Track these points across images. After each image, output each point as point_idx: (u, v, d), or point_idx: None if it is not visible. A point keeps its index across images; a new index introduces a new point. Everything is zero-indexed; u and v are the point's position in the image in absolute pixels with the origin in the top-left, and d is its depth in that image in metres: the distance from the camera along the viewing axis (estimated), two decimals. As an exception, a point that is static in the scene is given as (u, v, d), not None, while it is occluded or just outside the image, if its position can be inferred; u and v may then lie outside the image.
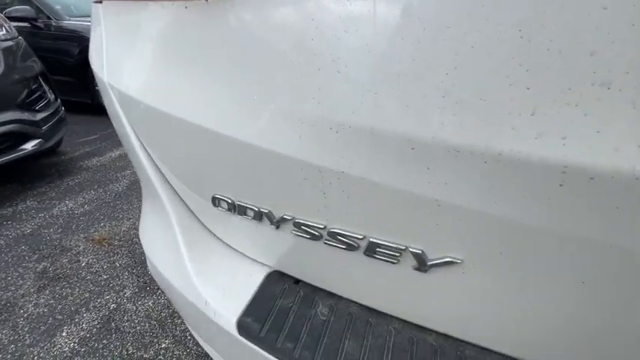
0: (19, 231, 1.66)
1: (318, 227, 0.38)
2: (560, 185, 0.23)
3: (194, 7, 0.33)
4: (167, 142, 0.46)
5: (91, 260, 1.44)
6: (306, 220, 0.38)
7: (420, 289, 0.36)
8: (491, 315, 0.33)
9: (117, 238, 1.59)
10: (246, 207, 0.43)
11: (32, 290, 1.28)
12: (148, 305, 1.19)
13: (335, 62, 0.27)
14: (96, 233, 1.63)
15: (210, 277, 0.47)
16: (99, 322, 1.13)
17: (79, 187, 2.08)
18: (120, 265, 1.41)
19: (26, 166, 2.28)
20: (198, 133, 0.38)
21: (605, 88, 0.20)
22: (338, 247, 0.38)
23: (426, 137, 0.26)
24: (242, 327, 0.41)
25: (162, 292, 1.25)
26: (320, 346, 0.39)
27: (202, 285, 0.45)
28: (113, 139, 2.97)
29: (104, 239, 1.58)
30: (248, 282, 0.47)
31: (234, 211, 0.44)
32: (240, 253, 0.51)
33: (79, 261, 1.44)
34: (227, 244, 0.52)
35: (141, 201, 1.88)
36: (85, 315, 1.16)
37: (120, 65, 0.45)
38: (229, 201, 0.44)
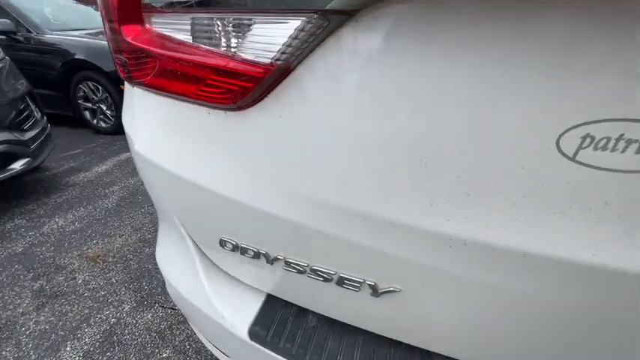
0: (10, 250, 1.69)
1: (302, 265, 0.51)
2: (450, 247, 0.39)
3: (215, 114, 0.46)
4: (187, 203, 0.57)
5: (87, 277, 1.51)
6: (294, 260, 0.51)
7: (375, 308, 0.50)
8: (422, 324, 0.49)
9: (111, 254, 1.66)
10: (247, 248, 0.55)
11: (31, 308, 1.34)
12: (147, 318, 1.28)
13: (310, 160, 0.42)
14: (89, 250, 1.69)
15: (226, 298, 0.59)
16: (101, 337, 1.21)
17: (67, 204, 2.12)
18: (116, 281, 1.48)
19: (10, 183, 2.28)
20: (214, 197, 0.51)
21: (466, 195, 0.36)
22: (317, 279, 0.51)
23: (370, 212, 0.41)
24: (252, 334, 0.54)
25: (164, 306, 1.35)
26: (310, 345, 0.53)
27: (220, 305, 0.58)
28: (97, 153, 2.99)
29: (98, 256, 1.64)
30: (254, 301, 0.60)
31: (237, 251, 0.56)
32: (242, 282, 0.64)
33: (75, 278, 1.50)
34: (231, 275, 0.64)
35: (131, 218, 1.96)
36: (86, 330, 1.24)
37: (151, 137, 0.56)
38: (234, 243, 0.55)
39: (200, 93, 0.44)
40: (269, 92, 0.41)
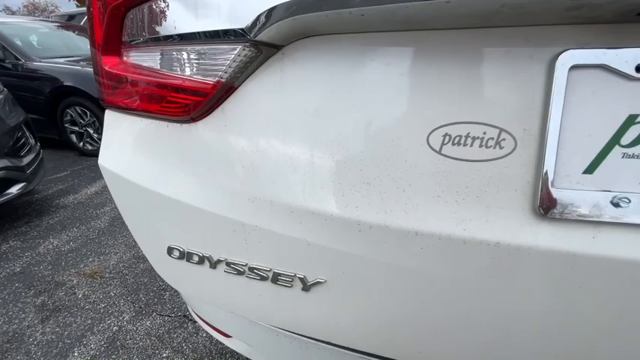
0: (8, 270, 1.80)
1: (242, 264, 0.57)
2: (359, 231, 0.47)
3: (172, 127, 0.55)
4: (141, 210, 0.64)
5: (86, 292, 1.65)
6: (234, 260, 0.57)
7: (307, 306, 0.55)
8: (350, 316, 0.55)
9: (107, 271, 1.80)
10: (193, 253, 0.60)
11: (36, 321, 1.47)
12: (147, 325, 1.44)
13: (248, 163, 0.50)
14: (86, 268, 1.83)
15: None
16: (105, 342, 1.36)
17: (60, 226, 2.24)
18: (115, 294, 1.63)
19: (1, 206, 2.37)
20: (166, 201, 0.57)
21: (368, 185, 0.45)
22: (255, 279, 0.57)
23: (296, 204, 0.48)
24: None
25: (161, 314, 1.51)
26: None
27: None
28: (85, 175, 3.10)
29: (95, 273, 1.78)
30: None
31: (184, 258, 0.61)
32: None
33: (75, 293, 1.64)
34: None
35: (124, 237, 2.11)
36: (91, 337, 1.38)
37: (113, 151, 0.64)
38: (181, 250, 0.61)
39: (162, 109, 0.54)
40: (217, 106, 0.50)
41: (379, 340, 0.58)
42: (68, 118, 3.47)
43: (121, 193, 0.66)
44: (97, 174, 3.12)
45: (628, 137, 0.36)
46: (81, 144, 3.55)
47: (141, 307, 1.54)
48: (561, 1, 0.31)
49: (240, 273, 0.58)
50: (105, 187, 2.83)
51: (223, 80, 0.49)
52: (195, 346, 1.34)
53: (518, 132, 0.38)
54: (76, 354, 1.31)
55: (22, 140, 2.16)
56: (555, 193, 0.38)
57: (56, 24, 4.75)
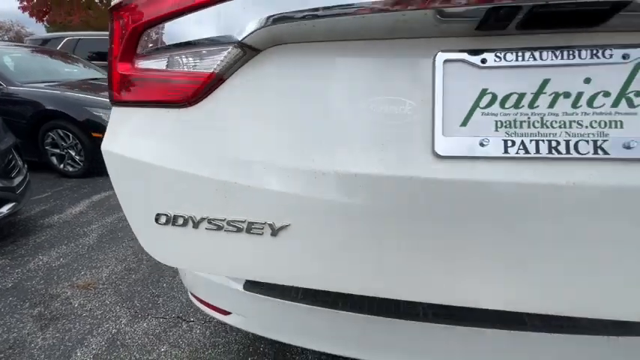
0: (0, 286, 1.88)
1: (220, 220, 0.67)
2: (315, 178, 0.60)
3: (171, 111, 0.68)
4: (137, 182, 0.73)
5: (82, 301, 1.76)
6: (215, 216, 0.68)
7: (277, 250, 0.68)
8: (313, 254, 0.68)
9: (100, 282, 1.92)
10: (178, 216, 0.70)
11: (36, 329, 1.57)
12: (144, 326, 1.59)
13: (233, 134, 0.65)
14: (79, 281, 1.93)
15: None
16: (106, 342, 1.49)
17: (48, 244, 2.31)
18: (110, 302, 1.76)
19: (-15, 227, 2.41)
20: (160, 171, 0.68)
21: (320, 143, 0.61)
22: (232, 231, 0.68)
23: (268, 161, 0.63)
24: (245, 288, 0.96)
25: (156, 317, 1.65)
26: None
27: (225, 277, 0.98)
28: (67, 196, 3.16)
29: (89, 284, 1.89)
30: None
31: (170, 223, 0.71)
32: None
33: (71, 303, 1.75)
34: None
35: (114, 251, 2.26)
36: (92, 339, 1.51)
37: (115, 137, 0.75)
38: (167, 215, 0.70)
39: (166, 97, 0.68)
40: (209, 93, 0.64)
41: (339, 273, 0.70)
42: (49, 140, 3.54)
43: (121, 171, 0.75)
44: (79, 195, 3.19)
45: (483, 102, 0.55)
46: (61, 166, 3.60)
47: (136, 312, 1.68)
48: (429, 21, 0.53)
49: (219, 228, 0.69)
50: (90, 207, 2.92)
51: (216, 72, 0.63)
52: (190, 341, 1.50)
53: (418, 102, 0.58)
54: (78, 354, 1.43)
55: (13, 162, 2.27)
56: (444, 140, 0.57)
57: (32, 49, 4.83)
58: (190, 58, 0.67)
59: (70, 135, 3.46)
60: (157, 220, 0.73)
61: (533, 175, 0.54)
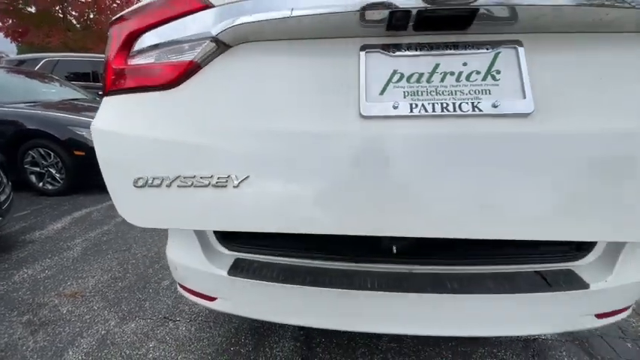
0: (-14, 297, 1.94)
1: (190, 177, 0.81)
2: (270, 137, 0.81)
3: (156, 93, 0.85)
4: (122, 152, 0.88)
5: (70, 308, 1.86)
6: (186, 174, 0.82)
7: (238, 199, 0.82)
8: (271, 199, 0.83)
9: (87, 290, 2.02)
10: (154, 177, 0.82)
11: (26, 334, 1.66)
12: (132, 327, 1.71)
13: (206, 109, 0.84)
14: (66, 290, 2.02)
15: (215, 262, 1.20)
16: (96, 342, 1.60)
17: (31, 258, 2.38)
18: (98, 307, 1.87)
19: (-35, 244, 2.45)
20: (143, 141, 0.84)
21: (276, 111, 0.89)
22: (200, 186, 0.82)
23: (234, 127, 0.82)
24: (229, 273, 1.15)
25: (144, 318, 1.78)
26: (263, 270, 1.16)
27: (211, 264, 1.18)
28: (47, 213, 3.20)
29: (76, 293, 1.99)
30: (227, 263, 1.21)
31: (146, 185, 0.83)
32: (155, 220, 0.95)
33: (59, 310, 1.84)
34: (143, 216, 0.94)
35: (99, 262, 2.38)
36: (82, 340, 1.62)
37: (105, 118, 0.91)
38: (144, 178, 0.83)
39: (156, 82, 0.85)
40: (188, 78, 0.82)
41: (292, 214, 0.84)
42: (29, 159, 3.59)
43: (107, 145, 0.90)
44: (60, 212, 3.24)
45: (394, 78, 0.80)
46: (40, 184, 3.64)
47: (124, 315, 1.80)
48: (356, 25, 0.78)
49: (189, 185, 0.83)
50: (72, 222, 2.98)
51: (195, 61, 0.82)
52: (176, 337, 1.64)
53: (349, 80, 0.80)
54: (70, 353, 1.54)
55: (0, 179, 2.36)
56: (368, 105, 0.78)
57: (7, 69, 4.87)
58: (175, 52, 0.86)
59: (52, 153, 3.53)
60: (135, 183, 0.86)
61: (431, 127, 0.77)
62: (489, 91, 0.77)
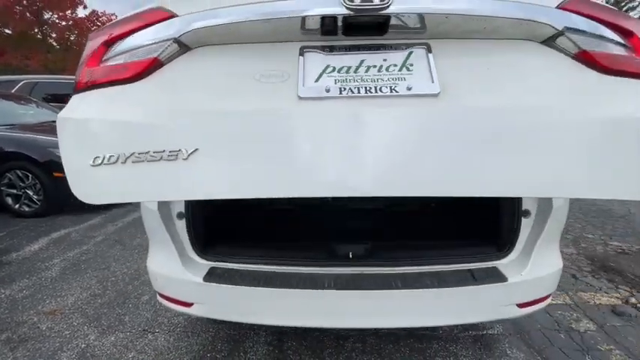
0: (-37, 318, 1.96)
1: (144, 152, 0.88)
2: (215, 115, 0.96)
3: (123, 86, 0.97)
4: (85, 136, 0.97)
5: (50, 325, 1.91)
6: (141, 150, 0.90)
7: (192, 169, 0.90)
8: (218, 169, 0.94)
9: (67, 308, 2.07)
10: (111, 155, 0.90)
11: (5, 350, 1.70)
12: (112, 340, 1.79)
13: (166, 99, 0.98)
14: (45, 308, 2.07)
15: (191, 270, 1.34)
16: (76, 355, 1.67)
17: (9, 279, 2.40)
18: (77, 323, 1.93)
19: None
20: (105, 123, 0.95)
21: (228, 92, 0.96)
22: (153, 160, 0.89)
23: (183, 109, 0.97)
24: (205, 279, 1.29)
25: (123, 332, 1.86)
26: (237, 275, 1.31)
27: (189, 272, 1.32)
28: (24, 234, 3.21)
29: (55, 310, 2.04)
30: (202, 270, 1.35)
31: (103, 162, 0.90)
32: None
33: (39, 327, 1.89)
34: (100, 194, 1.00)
35: (78, 281, 2.44)
36: (62, 354, 1.68)
37: (71, 109, 1.00)
38: (101, 156, 0.90)
39: (123, 76, 0.97)
40: (151, 73, 0.96)
41: (242, 181, 0.93)
42: (6, 181, 3.59)
43: (69, 130, 0.98)
44: (37, 233, 3.25)
45: (327, 70, 0.97)
46: (17, 206, 3.63)
47: (104, 329, 1.88)
48: (297, 31, 0.99)
49: (142, 160, 0.90)
50: (50, 243, 3.00)
51: (159, 58, 0.96)
52: (155, 347, 1.73)
53: (290, 71, 0.97)
54: (50, 366, 1.60)
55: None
56: (304, 89, 0.94)
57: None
58: (143, 53, 0.98)
59: (30, 175, 3.55)
60: (93, 162, 0.93)
61: (357, 104, 0.93)
62: (405, 78, 0.96)
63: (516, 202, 1.35)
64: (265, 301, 1.29)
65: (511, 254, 1.35)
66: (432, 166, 0.93)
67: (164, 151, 0.90)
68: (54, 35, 17.61)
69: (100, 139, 0.95)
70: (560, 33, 0.93)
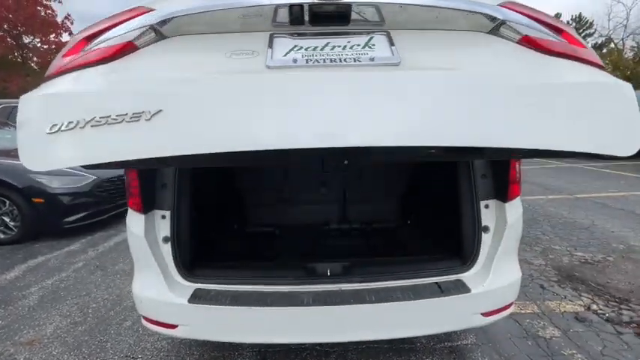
0: None
1: (105, 117, 0.88)
2: (182, 82, 1.06)
3: (101, 66, 1.01)
4: (43, 109, 0.94)
5: (27, 355, 1.87)
6: (102, 116, 0.88)
7: (154, 130, 0.89)
8: (182, 130, 0.92)
9: (45, 338, 2.04)
10: (71, 121, 0.88)
11: (-20, 384, 1.67)
12: (93, 368, 1.78)
13: (137, 76, 1.01)
14: (22, 339, 2.03)
15: (176, 292, 1.39)
16: (56, 385, 1.65)
17: (-18, 309, 2.33)
18: (57, 352, 1.90)
19: None
20: (72, 96, 0.96)
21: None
22: (117, 122, 0.88)
23: (149, 78, 1.03)
24: (189, 301, 1.35)
25: (102, 358, 1.84)
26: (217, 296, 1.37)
27: (174, 295, 1.37)
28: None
29: (33, 340, 2.00)
30: (187, 292, 1.41)
31: (60, 128, 0.88)
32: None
33: (15, 359, 1.85)
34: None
35: (57, 309, 2.42)
36: (41, 385, 1.66)
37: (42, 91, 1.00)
38: (58, 123, 0.88)
39: (101, 57, 1.00)
40: (128, 54, 1.01)
41: (211, 137, 0.93)
42: (-19, 208, 3.50)
43: (29, 104, 0.96)
44: (13, 260, 3.16)
45: (296, 48, 1.04)
46: (-9, 233, 3.53)
47: (85, 357, 1.86)
48: (269, 22, 1.11)
49: (103, 124, 0.89)
50: (27, 271, 2.94)
51: (134, 43, 1.02)
52: (139, 372, 1.73)
53: (260, 50, 1.03)
54: (29, 398, 1.58)
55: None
56: (272, 61, 0.99)
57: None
58: (118, 39, 1.03)
59: (7, 201, 3.49)
60: (50, 129, 0.89)
61: (323, 70, 0.98)
62: (367, 53, 1.03)
63: (477, 219, 1.50)
64: (248, 320, 1.36)
65: (474, 267, 1.48)
66: (392, 119, 0.96)
67: (126, 114, 0.89)
68: (35, 59, 17.38)
69: (59, 109, 0.93)
70: (503, 22, 1.08)
